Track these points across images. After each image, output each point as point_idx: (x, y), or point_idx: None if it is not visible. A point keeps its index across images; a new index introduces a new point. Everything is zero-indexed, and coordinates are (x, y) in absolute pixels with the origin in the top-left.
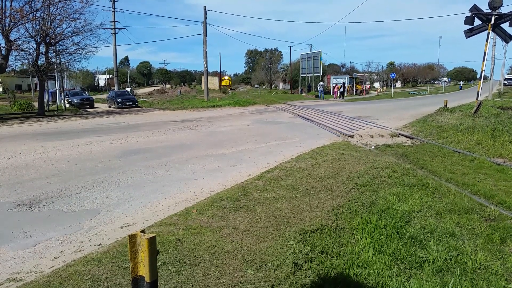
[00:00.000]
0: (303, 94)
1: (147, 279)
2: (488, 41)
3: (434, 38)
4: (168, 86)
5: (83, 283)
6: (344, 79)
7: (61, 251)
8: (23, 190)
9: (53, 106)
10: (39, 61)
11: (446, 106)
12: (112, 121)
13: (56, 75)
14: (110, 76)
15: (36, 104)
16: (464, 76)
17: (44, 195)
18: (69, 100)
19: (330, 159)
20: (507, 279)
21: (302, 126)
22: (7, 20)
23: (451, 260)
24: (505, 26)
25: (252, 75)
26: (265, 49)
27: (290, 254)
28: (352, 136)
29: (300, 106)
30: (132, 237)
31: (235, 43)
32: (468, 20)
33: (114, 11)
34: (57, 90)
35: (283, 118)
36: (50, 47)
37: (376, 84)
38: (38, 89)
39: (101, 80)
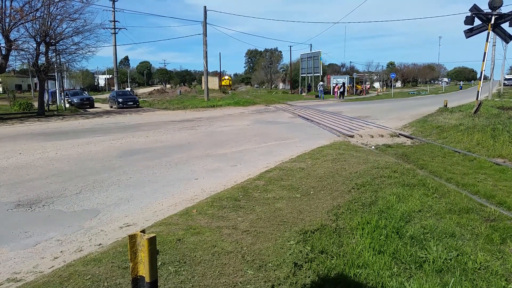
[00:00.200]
0: (303, 94)
1: (147, 279)
2: (488, 41)
3: (434, 38)
4: (168, 86)
5: (83, 283)
6: (344, 79)
7: (61, 251)
8: (23, 190)
9: (53, 106)
10: (39, 61)
11: (446, 106)
12: (112, 121)
13: (56, 75)
14: (110, 76)
15: (36, 104)
16: (464, 76)
17: (44, 195)
18: (69, 100)
19: (330, 159)
20: (507, 279)
21: (302, 126)
22: (7, 19)
23: (451, 260)
24: (505, 26)
25: (252, 75)
26: (265, 49)
27: (290, 254)
28: (352, 136)
29: (300, 106)
30: (132, 237)
31: (235, 43)
32: (468, 20)
33: (114, 11)
34: (57, 90)
35: (283, 118)
36: (50, 47)
37: (376, 84)
38: (38, 89)
39: (101, 80)
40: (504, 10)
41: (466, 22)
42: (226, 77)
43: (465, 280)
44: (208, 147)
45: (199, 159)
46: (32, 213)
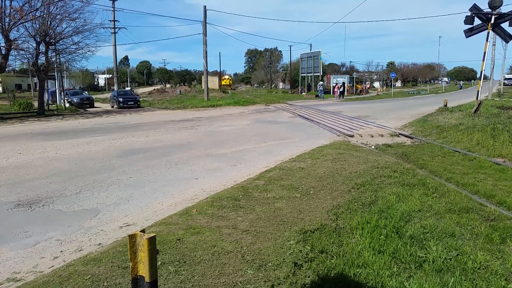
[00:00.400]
0: (303, 93)
1: (147, 279)
2: (488, 40)
3: (434, 38)
4: (168, 85)
5: (83, 283)
6: (344, 79)
7: (61, 251)
8: (23, 190)
9: (53, 105)
10: (39, 61)
11: (446, 105)
12: (112, 120)
13: (56, 75)
14: (110, 75)
15: (36, 104)
16: (464, 76)
17: (44, 195)
18: (69, 100)
19: (330, 159)
20: (506, 279)
21: (302, 125)
22: (7, 19)
23: (451, 260)
24: (505, 25)
25: (252, 74)
26: (265, 48)
27: (290, 254)
28: (352, 136)
29: (300, 106)
30: (132, 237)
31: (235, 42)
32: (468, 20)
33: (113, 11)
34: (57, 90)
35: (283, 118)
36: (50, 47)
37: (376, 84)
38: (38, 88)
39: (101, 80)
40: (504, 9)
41: (466, 22)
42: (226, 76)
43: (465, 280)
44: (208, 147)
45: (199, 158)
46: (32, 213)
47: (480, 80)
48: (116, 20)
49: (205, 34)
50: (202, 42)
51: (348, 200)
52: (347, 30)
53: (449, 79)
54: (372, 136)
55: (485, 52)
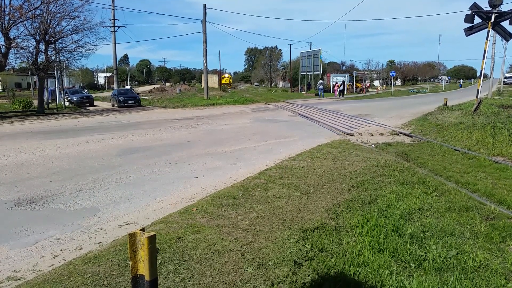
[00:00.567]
0: (303, 92)
1: (147, 278)
2: (488, 39)
3: (434, 36)
4: (168, 84)
5: (83, 282)
6: (344, 78)
7: (61, 250)
8: (23, 189)
9: (53, 104)
10: (38, 59)
11: (446, 104)
12: (111, 119)
13: (55, 73)
14: (110, 74)
15: (35, 102)
16: (464, 75)
17: (44, 194)
18: (69, 98)
19: (330, 158)
20: (506, 278)
21: (302, 124)
22: (7, 18)
23: (450, 259)
24: (505, 24)
25: (252, 73)
26: (265, 47)
27: (289, 252)
28: (352, 135)
29: (300, 105)
30: (132, 236)
31: (235, 41)
32: (468, 18)
33: (113, 9)
34: (56, 88)
35: (283, 117)
36: (49, 45)
37: (376, 83)
38: (37, 87)
39: (101, 78)
40: (504, 8)
41: (466, 20)
42: (226, 75)
43: (464, 279)
44: (207, 146)
45: (199, 157)
46: (32, 212)
47: (480, 78)
48: (116, 19)
49: (205, 32)
50: (202, 40)
51: (348, 198)
52: (347, 29)
53: (449, 77)
54: (372, 135)
55: (485, 51)
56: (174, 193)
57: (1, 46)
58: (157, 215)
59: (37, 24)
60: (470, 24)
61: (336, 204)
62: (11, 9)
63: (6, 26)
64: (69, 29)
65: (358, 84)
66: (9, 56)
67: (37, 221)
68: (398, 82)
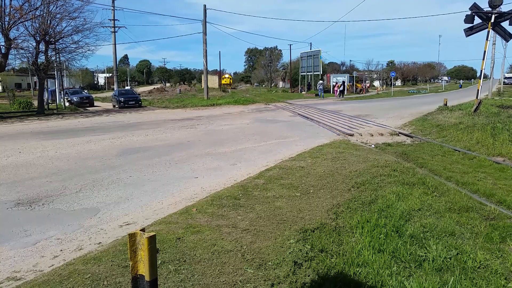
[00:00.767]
0: (303, 92)
1: (147, 278)
2: (488, 39)
3: (434, 37)
4: (168, 84)
5: (82, 282)
6: (344, 78)
7: (61, 250)
8: (23, 189)
9: (53, 104)
10: (38, 60)
11: (446, 104)
12: (111, 119)
13: (55, 74)
14: (110, 74)
15: (35, 103)
16: (464, 75)
17: (44, 194)
18: (69, 99)
19: (330, 158)
20: (506, 278)
21: (302, 124)
22: (7, 18)
23: (450, 259)
24: (505, 24)
25: (252, 73)
26: (265, 47)
27: (290, 253)
28: (351, 135)
29: (300, 105)
30: (132, 236)
31: (235, 41)
32: (468, 19)
33: (113, 10)
34: (56, 89)
35: (283, 117)
36: (49, 46)
37: (376, 83)
38: (37, 87)
39: (101, 79)
40: (504, 8)
41: (466, 21)
42: (227, 75)
43: (464, 279)
44: (208, 146)
45: (199, 157)
46: (32, 212)
47: (480, 79)
48: (116, 19)
49: (205, 33)
50: (202, 41)
51: (348, 199)
52: (347, 29)
53: (449, 78)
54: (372, 135)
55: (485, 51)
56: (174, 193)
57: (1, 46)
58: (157, 215)
59: (37, 24)
60: (470, 25)
61: (336, 204)
62: (11, 9)
63: (6, 27)
64: (69, 29)
65: (358, 85)
66: (9, 56)
67: (37, 221)
68: (398, 83)
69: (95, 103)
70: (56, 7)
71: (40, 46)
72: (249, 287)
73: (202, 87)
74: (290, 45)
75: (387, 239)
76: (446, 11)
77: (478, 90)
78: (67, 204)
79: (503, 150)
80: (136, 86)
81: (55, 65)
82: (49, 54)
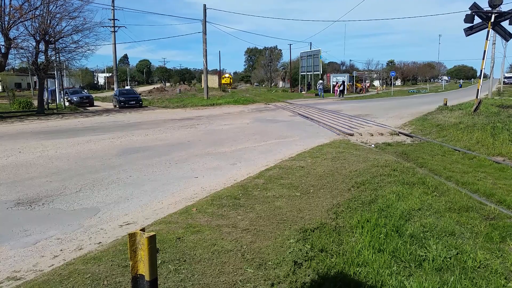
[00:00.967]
0: (302, 92)
1: (147, 278)
2: (488, 39)
3: (434, 36)
4: (167, 84)
5: (82, 282)
6: (344, 78)
7: (61, 250)
8: (23, 189)
9: (53, 104)
10: (38, 59)
11: (445, 104)
12: (111, 119)
13: (55, 73)
14: (110, 74)
15: (35, 103)
16: (464, 74)
17: (44, 194)
18: (69, 99)
19: (329, 158)
20: (506, 278)
21: (301, 124)
22: (6, 18)
23: (450, 259)
24: (505, 24)
25: (252, 73)
26: (265, 47)
27: (290, 252)
28: (351, 135)
29: (299, 105)
30: (132, 236)
31: (234, 41)
32: (468, 18)
33: (113, 9)
34: (56, 89)
35: (282, 117)
36: (49, 45)
37: (376, 83)
38: (37, 87)
39: (101, 79)
40: (504, 8)
41: (466, 20)
42: (227, 75)
43: (464, 279)
44: (207, 146)
45: (198, 157)
46: (32, 212)
47: (480, 78)
48: (116, 19)
49: (205, 33)
50: (202, 40)
51: (348, 199)
52: (347, 29)
53: (449, 77)
54: (372, 135)
55: (485, 51)
56: (174, 193)
57: (1, 46)
58: (157, 215)
59: (37, 24)
60: (470, 24)
61: (336, 204)
62: (11, 9)
63: (6, 26)
64: (69, 29)
65: (358, 84)
66: (9, 56)
67: (37, 221)
68: (398, 82)
69: (95, 103)
70: (56, 7)
71: (40, 45)
72: (249, 287)
73: (202, 87)
74: (290, 44)
75: (387, 238)
76: (446, 11)
77: (478, 89)
78: (67, 204)
79: (503, 150)
80: (136, 85)
81: (55, 64)
82: (49, 53)
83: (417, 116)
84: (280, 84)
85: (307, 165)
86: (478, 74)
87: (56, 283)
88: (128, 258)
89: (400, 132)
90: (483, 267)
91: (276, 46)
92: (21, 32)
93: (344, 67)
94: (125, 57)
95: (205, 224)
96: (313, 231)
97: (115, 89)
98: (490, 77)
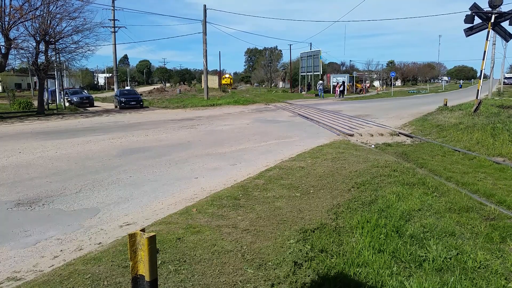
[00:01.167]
0: (303, 93)
1: (147, 278)
2: (488, 39)
3: (434, 37)
4: (168, 84)
5: (83, 282)
6: (344, 78)
7: (61, 250)
8: (23, 189)
9: (53, 105)
10: (38, 60)
11: (446, 105)
12: (112, 120)
13: (55, 74)
14: (110, 74)
15: (35, 103)
16: (464, 75)
17: (44, 194)
18: (69, 99)
19: (330, 158)
20: (506, 278)
21: (302, 125)
22: (7, 18)
23: (450, 259)
24: (505, 24)
25: (252, 73)
26: (265, 47)
27: (290, 253)
28: (352, 135)
29: (300, 105)
30: (132, 236)
31: (234, 41)
32: (468, 19)
33: (113, 10)
34: (56, 89)
35: (283, 117)
36: (49, 46)
37: (376, 83)
38: (37, 87)
39: (101, 79)
40: (504, 8)
41: (466, 21)
42: (227, 75)
43: (464, 279)
44: (208, 146)
45: (199, 158)
46: (32, 212)
47: (480, 79)
48: (116, 19)
49: (205, 33)
50: (202, 41)
51: (348, 199)
52: (347, 29)
53: (449, 78)
54: (372, 135)
55: (485, 51)
56: (174, 194)
57: (1, 46)
58: (157, 216)
59: (37, 24)
60: (470, 25)
61: (336, 204)
62: (11, 9)
63: (6, 27)
64: (69, 29)
65: (358, 85)
66: (9, 56)
67: (37, 221)
68: (398, 83)
69: (95, 103)
70: (56, 7)
71: (40, 46)
72: (249, 287)
73: (202, 87)
74: (290, 45)
75: (387, 239)
76: (446, 11)
77: (478, 90)
78: (67, 204)
79: (503, 150)
80: (136, 86)
81: (55, 65)
82: (49, 54)
83: (417, 117)
84: (280, 84)
85: (307, 165)
86: (478, 74)
87: (56, 283)
88: (128, 259)
89: (400, 133)
90: (483, 268)
91: (276, 46)
92: (21, 33)
93: (344, 68)
94: (125, 57)
95: (205, 224)
96: (313, 231)
97: (115, 89)
98: (490, 77)
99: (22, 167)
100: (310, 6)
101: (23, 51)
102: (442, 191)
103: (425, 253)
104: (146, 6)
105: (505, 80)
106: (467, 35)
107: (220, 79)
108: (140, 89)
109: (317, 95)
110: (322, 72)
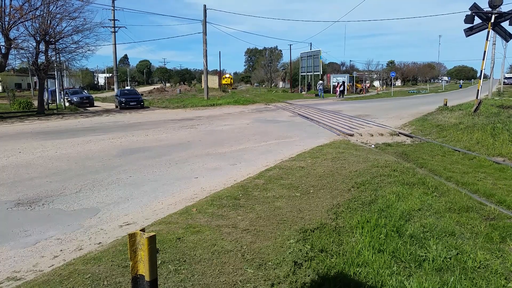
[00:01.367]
0: (303, 93)
1: (147, 278)
2: (488, 39)
3: (434, 37)
4: (168, 84)
5: (82, 282)
6: (344, 78)
7: (61, 250)
8: (23, 189)
9: (53, 104)
10: (38, 60)
11: (446, 105)
12: (112, 119)
13: (55, 74)
14: (110, 74)
15: (35, 103)
16: (464, 75)
17: (44, 194)
18: (69, 99)
19: (330, 158)
20: (506, 278)
21: (302, 125)
22: (7, 18)
23: (450, 259)
24: (505, 24)
25: (252, 73)
26: (265, 47)
27: (290, 253)
28: (352, 135)
29: (300, 105)
30: (132, 236)
31: (234, 41)
32: (468, 19)
33: (113, 10)
34: (56, 89)
35: (283, 117)
36: (49, 46)
37: (376, 83)
38: (37, 87)
39: (101, 79)
40: (504, 8)
41: (466, 21)
42: (227, 75)
43: (464, 279)
44: (208, 146)
45: (199, 157)
46: (32, 212)
47: (480, 79)
48: (116, 19)
49: (205, 33)
50: (202, 41)
51: (348, 199)
52: (347, 29)
53: (449, 78)
54: (372, 135)
55: (485, 51)
56: (174, 194)
57: (1, 46)
58: (157, 216)
59: (37, 24)
60: (470, 25)
61: (336, 204)
62: (12, 9)
63: (7, 27)
64: (69, 29)
65: (358, 85)
66: (9, 56)
67: (37, 221)
68: (398, 83)
69: (95, 103)
70: (56, 7)
71: (40, 46)
72: (249, 287)
73: (202, 87)
74: (290, 45)
75: (387, 239)
76: (446, 11)
77: (478, 90)
78: (67, 204)
79: (503, 150)
80: (136, 86)
81: (55, 65)
82: (49, 54)
83: (417, 117)
84: (280, 84)
85: (307, 165)
86: (478, 74)
87: (56, 283)
88: (128, 259)
89: (400, 133)
90: (483, 268)
91: (276, 46)
92: (22, 33)
93: (344, 68)
94: (125, 57)
95: (205, 224)
96: (313, 231)
97: (115, 89)
98: (490, 77)
99: (22, 167)
100: (310, 6)
101: (23, 51)
102: (442, 191)
103: (425, 253)
104: (146, 6)
105: (505, 80)
106: (467, 35)
107: (220, 79)
108: (140, 89)
109: (317, 95)
110: (322, 72)
